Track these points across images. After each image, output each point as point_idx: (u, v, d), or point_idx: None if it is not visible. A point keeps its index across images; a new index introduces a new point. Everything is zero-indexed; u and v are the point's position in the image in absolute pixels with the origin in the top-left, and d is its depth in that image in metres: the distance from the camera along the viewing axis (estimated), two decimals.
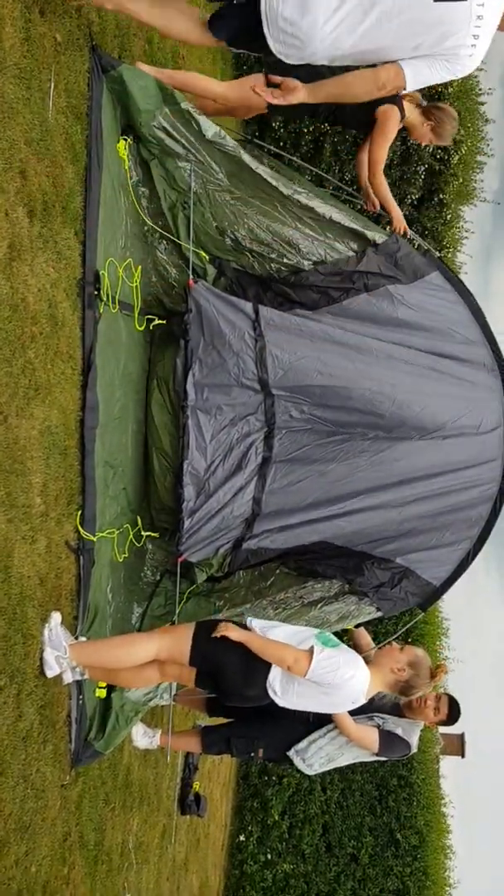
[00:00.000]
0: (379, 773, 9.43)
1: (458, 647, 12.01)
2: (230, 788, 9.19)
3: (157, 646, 3.50)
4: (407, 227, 4.56)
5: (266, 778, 9.42)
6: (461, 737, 21.19)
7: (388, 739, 4.33)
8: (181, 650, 3.47)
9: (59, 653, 3.29)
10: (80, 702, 3.69)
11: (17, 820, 3.08)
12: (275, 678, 3.40)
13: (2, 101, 2.85)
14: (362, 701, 3.44)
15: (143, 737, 4.75)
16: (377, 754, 4.37)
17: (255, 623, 3.55)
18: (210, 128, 4.01)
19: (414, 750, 4.46)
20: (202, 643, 3.44)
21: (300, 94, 3.08)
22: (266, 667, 3.41)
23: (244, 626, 3.52)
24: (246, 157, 4.09)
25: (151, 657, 3.58)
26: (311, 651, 3.31)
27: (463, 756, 21.34)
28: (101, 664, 3.63)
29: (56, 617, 3.34)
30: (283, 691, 3.41)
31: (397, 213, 4.53)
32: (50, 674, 3.28)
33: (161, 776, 5.41)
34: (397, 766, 9.41)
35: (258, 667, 3.40)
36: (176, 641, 3.49)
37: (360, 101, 3.21)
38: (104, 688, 3.97)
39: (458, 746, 21.14)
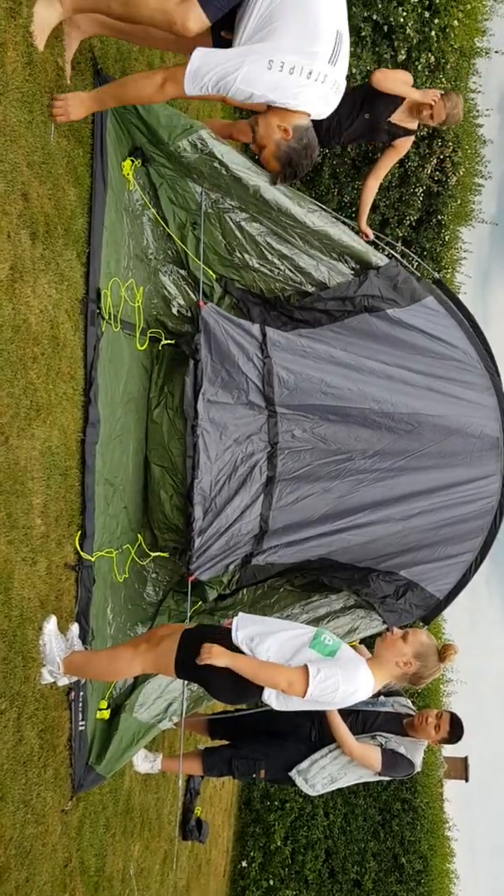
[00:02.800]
0: (382, 797, 9.32)
1: (461, 670, 11.93)
2: (232, 814, 9.08)
3: (142, 665, 3.34)
4: (368, 232, 4.85)
5: (268, 803, 9.31)
6: (465, 760, 20.99)
7: (392, 758, 4.28)
8: (166, 664, 3.26)
9: (53, 668, 3.26)
10: (82, 726, 3.66)
11: (18, 845, 3.03)
12: (269, 697, 3.16)
13: (4, 124, 2.87)
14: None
15: (144, 761, 4.70)
16: (380, 773, 4.32)
17: (242, 635, 3.18)
18: (228, 153, 4.09)
19: (418, 769, 4.41)
20: (187, 658, 3.18)
21: None
22: (258, 686, 3.14)
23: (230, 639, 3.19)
24: (261, 182, 4.14)
25: (137, 674, 3.49)
26: (305, 670, 3.03)
27: (467, 780, 21.13)
28: (88, 678, 3.59)
29: (51, 626, 3.27)
30: (281, 705, 3.18)
31: (363, 222, 4.90)
32: (44, 682, 3.27)
33: (162, 801, 5.35)
34: (400, 790, 9.30)
35: (250, 686, 3.14)
36: (160, 657, 3.28)
37: None
38: (106, 709, 3.93)
39: (461, 770, 20.94)
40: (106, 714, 3.94)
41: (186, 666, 3.21)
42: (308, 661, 3.07)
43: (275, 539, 4.74)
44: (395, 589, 4.54)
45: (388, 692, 4.63)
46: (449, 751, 15.23)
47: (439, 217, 8.43)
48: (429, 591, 4.60)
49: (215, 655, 3.07)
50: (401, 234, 8.32)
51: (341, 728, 4.21)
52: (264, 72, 2.96)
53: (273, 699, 3.17)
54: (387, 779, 4.51)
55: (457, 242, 9.20)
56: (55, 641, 3.27)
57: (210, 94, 3.09)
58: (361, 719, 4.44)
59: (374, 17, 7.26)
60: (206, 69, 2.98)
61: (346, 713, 4.31)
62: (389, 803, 9.31)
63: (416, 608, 4.56)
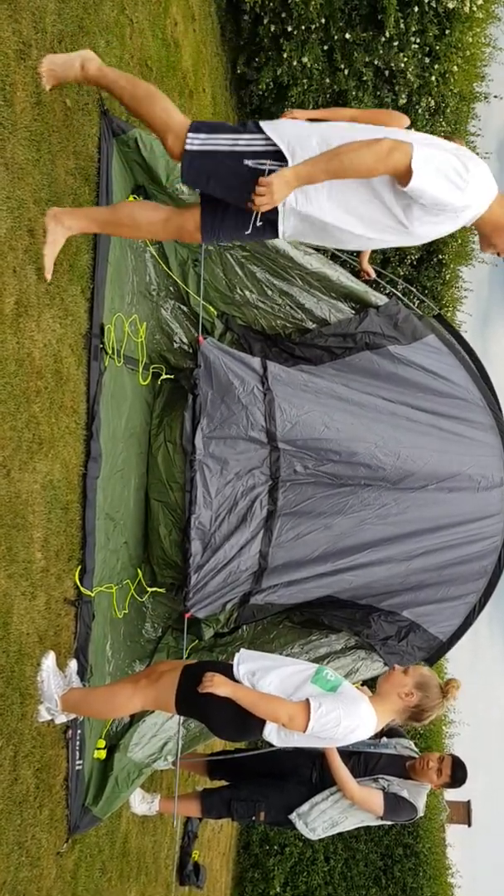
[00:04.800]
0: (384, 841, 9.13)
1: (463, 711, 11.78)
2: (230, 858, 8.89)
3: (142, 701, 3.29)
4: (370, 271, 4.79)
5: (267, 847, 9.12)
6: (467, 804, 20.62)
7: (394, 802, 4.20)
8: (166, 701, 3.23)
9: (51, 705, 3.21)
10: (79, 765, 3.59)
11: (12, 889, 2.96)
12: (270, 733, 3.11)
13: (12, 162, 2.91)
14: (370, 735, 3.18)
15: (141, 802, 4.61)
16: (382, 818, 4.23)
17: (244, 670, 3.15)
18: None
19: (420, 814, 4.32)
20: (188, 694, 3.16)
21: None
22: (260, 720, 3.10)
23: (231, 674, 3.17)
24: None
25: (136, 710, 3.43)
26: (307, 704, 2.99)
27: (469, 824, 20.74)
28: (86, 715, 3.54)
29: (49, 662, 3.22)
30: (282, 741, 3.14)
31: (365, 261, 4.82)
32: (41, 720, 3.21)
33: (159, 844, 5.24)
34: (402, 835, 9.11)
35: (251, 721, 3.10)
36: (160, 692, 3.24)
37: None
38: (103, 749, 3.87)
39: (464, 814, 20.56)
40: (103, 753, 3.88)
41: (187, 701, 3.18)
42: (310, 696, 3.03)
43: (274, 577, 4.68)
44: (398, 630, 4.48)
45: (390, 733, 4.56)
46: (451, 795, 14.95)
47: (440, 256, 8.53)
48: (431, 632, 4.53)
49: (217, 684, 3.04)
50: (402, 273, 8.40)
51: (342, 770, 4.13)
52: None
53: (274, 735, 3.12)
54: (389, 823, 4.42)
55: (457, 281, 9.30)
56: (53, 678, 3.23)
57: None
58: (363, 761, 4.37)
59: (376, 62, 7.41)
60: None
61: (347, 755, 4.24)
62: (391, 848, 9.12)
63: (419, 650, 4.49)
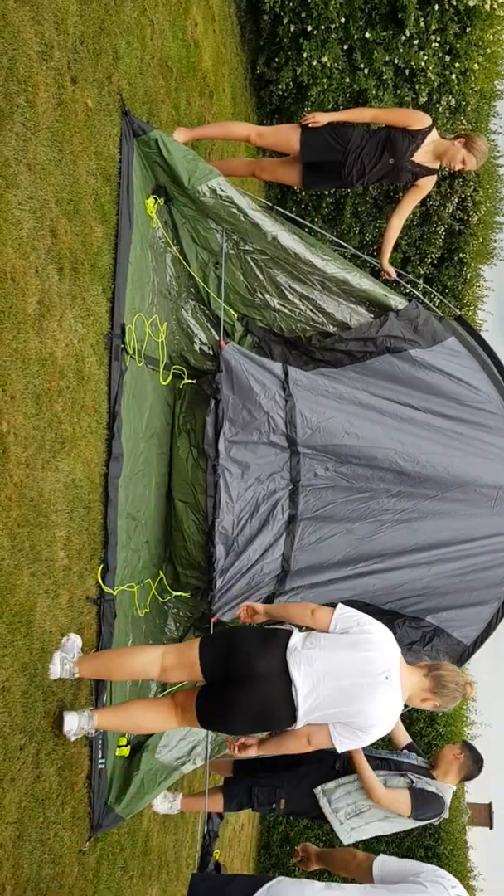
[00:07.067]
0: (405, 843, 9.09)
1: (484, 712, 11.70)
2: (251, 858, 8.89)
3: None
4: (391, 271, 4.87)
5: (288, 847, 9.10)
6: (489, 807, 20.50)
7: (421, 797, 4.16)
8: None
9: (67, 655, 3.13)
10: (102, 763, 3.61)
11: (34, 887, 2.98)
12: (294, 646, 3.08)
13: (35, 162, 2.93)
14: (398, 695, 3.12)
15: (163, 801, 4.61)
16: (412, 816, 4.19)
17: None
18: (244, 202, 4.14)
19: (446, 814, 4.29)
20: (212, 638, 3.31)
21: None
22: (283, 639, 3.11)
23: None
24: (279, 230, 4.20)
25: (157, 662, 3.25)
26: (333, 607, 3.21)
27: (491, 827, 20.60)
28: (102, 671, 3.34)
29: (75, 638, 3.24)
30: (306, 653, 3.09)
31: (385, 261, 4.92)
32: (53, 673, 3.09)
33: (181, 843, 5.24)
34: (424, 837, 9.07)
35: (274, 639, 3.12)
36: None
37: None
38: (126, 746, 3.88)
39: (485, 816, 20.44)
40: (125, 751, 3.89)
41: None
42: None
43: (297, 579, 4.69)
44: (422, 635, 4.49)
45: (410, 751, 4.54)
46: (473, 797, 14.86)
47: (461, 255, 8.50)
48: (455, 637, 4.54)
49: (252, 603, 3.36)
50: (422, 272, 8.38)
51: (367, 772, 4.10)
52: None
53: (299, 642, 3.11)
54: (420, 824, 4.36)
55: (478, 280, 9.26)
56: (77, 641, 3.23)
57: None
58: (387, 766, 4.34)
59: (396, 60, 7.40)
60: None
61: (373, 760, 4.22)
62: (413, 850, 9.08)
63: (443, 655, 4.50)
